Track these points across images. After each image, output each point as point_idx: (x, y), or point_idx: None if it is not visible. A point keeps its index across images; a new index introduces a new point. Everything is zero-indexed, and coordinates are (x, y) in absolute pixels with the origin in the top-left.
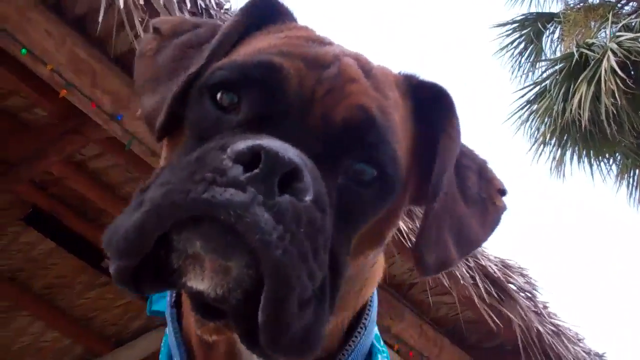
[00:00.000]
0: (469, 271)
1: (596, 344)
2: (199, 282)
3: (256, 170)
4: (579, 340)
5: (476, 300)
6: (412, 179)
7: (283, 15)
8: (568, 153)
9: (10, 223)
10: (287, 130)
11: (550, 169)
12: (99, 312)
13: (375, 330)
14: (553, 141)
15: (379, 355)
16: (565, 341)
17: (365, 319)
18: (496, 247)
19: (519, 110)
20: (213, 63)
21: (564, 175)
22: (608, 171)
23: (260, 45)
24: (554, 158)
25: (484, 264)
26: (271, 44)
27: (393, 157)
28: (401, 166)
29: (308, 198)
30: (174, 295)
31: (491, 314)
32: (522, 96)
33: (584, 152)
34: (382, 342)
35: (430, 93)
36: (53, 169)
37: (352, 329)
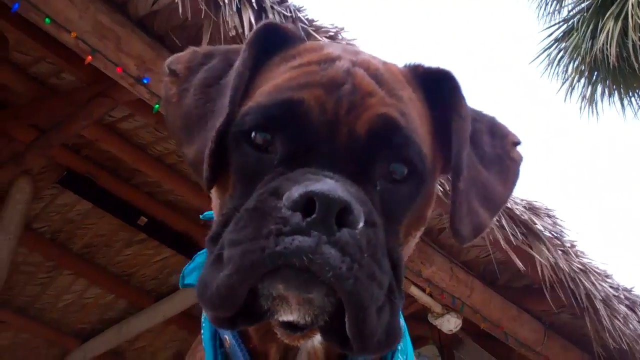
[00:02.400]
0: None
1: (625, 280)
2: (288, 315)
3: (314, 216)
4: (607, 276)
5: (502, 242)
6: (437, 159)
7: (289, 38)
8: (598, 90)
9: (47, 186)
10: (323, 159)
11: (581, 108)
12: (139, 268)
13: None
14: (582, 79)
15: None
16: (593, 278)
17: None
18: (525, 189)
19: (547, 49)
20: (236, 107)
21: (596, 113)
22: (639, 106)
23: (277, 81)
24: (584, 96)
25: (510, 206)
26: (287, 77)
27: (419, 152)
28: (427, 158)
29: (361, 224)
30: None
31: (517, 255)
32: (550, 35)
33: (614, 89)
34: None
35: (437, 78)
36: (84, 132)
37: None
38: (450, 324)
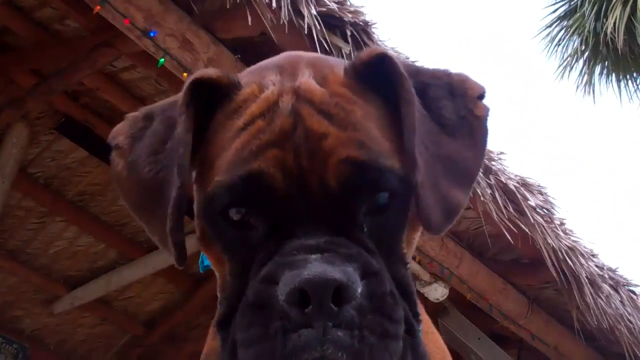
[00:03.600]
0: (489, 188)
1: (610, 260)
2: None
3: (310, 307)
4: (593, 256)
5: (494, 215)
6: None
7: (223, 88)
8: (597, 71)
9: (44, 132)
10: (305, 223)
11: (578, 87)
12: (131, 219)
13: None
14: (582, 60)
15: None
16: (580, 257)
17: None
18: (518, 165)
19: (548, 27)
20: (187, 176)
21: (593, 93)
22: (635, 90)
23: (229, 153)
24: (582, 76)
25: (504, 181)
26: (238, 147)
27: (393, 175)
28: (402, 173)
29: (359, 291)
30: None
31: (510, 227)
32: (554, 12)
33: (612, 71)
34: None
35: (374, 64)
36: (85, 80)
37: None
38: (437, 292)
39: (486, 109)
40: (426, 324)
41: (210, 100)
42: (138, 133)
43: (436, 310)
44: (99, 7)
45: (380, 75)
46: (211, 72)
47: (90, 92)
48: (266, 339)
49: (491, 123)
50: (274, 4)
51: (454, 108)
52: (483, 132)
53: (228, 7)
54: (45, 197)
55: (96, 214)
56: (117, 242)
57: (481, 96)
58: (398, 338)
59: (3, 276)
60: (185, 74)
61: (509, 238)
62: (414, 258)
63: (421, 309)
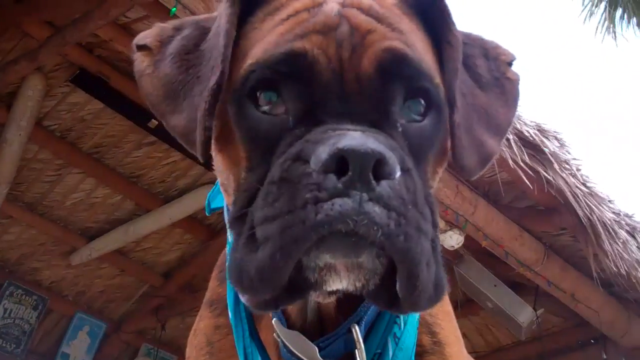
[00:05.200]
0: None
1: (627, 206)
2: (337, 284)
3: (349, 174)
4: (609, 201)
5: (510, 162)
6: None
7: None
8: (617, 15)
9: (59, 84)
10: (338, 110)
11: (598, 30)
12: (147, 170)
13: None
14: (602, 4)
15: None
16: (596, 202)
17: None
18: (534, 110)
19: None
20: (227, 67)
21: (614, 36)
22: None
23: (272, 37)
24: (603, 21)
25: (519, 127)
26: (281, 31)
27: (432, 82)
28: (440, 87)
29: (398, 173)
30: None
31: (527, 173)
32: None
33: (634, 15)
34: None
35: (426, 4)
36: (99, 32)
37: None
38: (452, 240)
39: (517, 75)
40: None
41: (250, 9)
42: (167, 39)
43: (452, 258)
44: None
45: (428, 13)
46: None
47: (104, 43)
48: (294, 211)
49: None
50: None
51: (487, 68)
52: (515, 93)
53: None
54: (61, 149)
55: (113, 166)
56: (134, 193)
57: (511, 63)
58: (429, 238)
59: (21, 228)
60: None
61: (527, 183)
62: None
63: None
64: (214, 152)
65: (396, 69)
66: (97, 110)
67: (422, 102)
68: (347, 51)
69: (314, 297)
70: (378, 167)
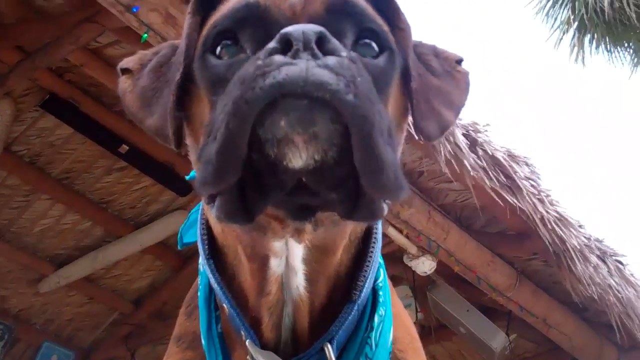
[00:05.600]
0: (477, 160)
1: (597, 231)
2: (297, 159)
3: (295, 47)
4: (580, 226)
5: (486, 186)
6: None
7: None
8: (587, 40)
9: (28, 109)
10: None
11: (569, 56)
12: (117, 196)
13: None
14: (572, 29)
15: (380, 270)
16: (568, 227)
17: (375, 232)
18: (506, 136)
19: None
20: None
21: (583, 61)
22: (625, 57)
23: (227, 4)
24: (573, 45)
25: (489, 152)
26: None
27: (381, 27)
28: (390, 36)
29: (345, 54)
30: (207, 247)
31: (497, 200)
32: None
33: (602, 39)
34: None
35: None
36: (70, 57)
37: (362, 248)
38: (425, 266)
39: (467, 70)
40: (395, 307)
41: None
42: (147, 61)
43: (424, 284)
44: None
45: (380, 9)
46: None
47: (75, 68)
48: (245, 87)
49: (473, 88)
50: None
51: (439, 64)
52: (466, 82)
53: None
54: (30, 174)
55: (82, 192)
56: (104, 219)
57: (460, 61)
58: (382, 116)
59: None
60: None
61: (501, 208)
62: (401, 232)
63: (394, 296)
64: (187, 140)
65: (345, 8)
66: (67, 136)
67: (374, 45)
68: (299, 3)
69: (297, 226)
70: (322, 44)
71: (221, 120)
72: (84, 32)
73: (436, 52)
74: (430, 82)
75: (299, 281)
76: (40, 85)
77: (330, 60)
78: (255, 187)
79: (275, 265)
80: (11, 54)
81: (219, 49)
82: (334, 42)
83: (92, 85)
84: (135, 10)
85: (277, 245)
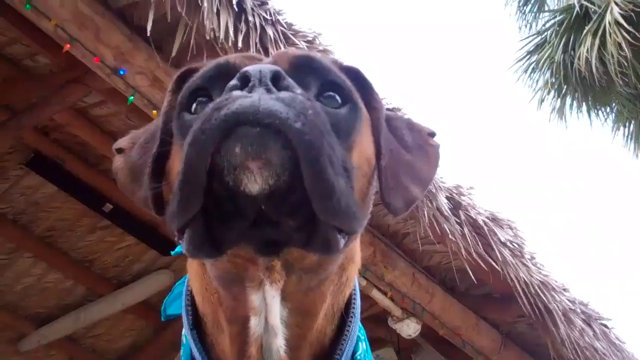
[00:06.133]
0: (458, 224)
1: (581, 294)
2: (254, 184)
3: (252, 82)
4: (564, 290)
5: (463, 252)
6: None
7: None
8: (567, 102)
9: (13, 167)
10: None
11: (550, 118)
12: (100, 255)
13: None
14: (553, 92)
15: (360, 343)
16: (552, 291)
17: (354, 307)
18: (488, 199)
19: (520, 61)
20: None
21: (565, 122)
22: (605, 119)
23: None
24: (554, 107)
25: (473, 216)
26: None
27: (344, 82)
28: (354, 92)
29: (299, 92)
30: (191, 318)
31: (480, 263)
32: (523, 47)
33: (583, 102)
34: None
35: (353, 76)
36: (55, 116)
37: (342, 320)
38: (409, 328)
39: (438, 143)
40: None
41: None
42: (137, 139)
43: (409, 346)
44: (68, 45)
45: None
46: (197, 64)
47: (61, 127)
48: (203, 124)
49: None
50: (239, 44)
51: (412, 137)
52: (436, 156)
53: (195, 49)
54: (13, 232)
55: (65, 250)
56: (86, 278)
57: (433, 135)
58: (334, 149)
59: None
60: (155, 112)
61: (478, 274)
62: (385, 294)
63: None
64: (168, 184)
65: (308, 64)
66: (51, 194)
67: (337, 97)
68: (267, 61)
69: (263, 261)
70: (278, 81)
71: (183, 154)
72: (71, 93)
73: (410, 126)
74: (400, 158)
75: (279, 343)
76: (25, 143)
77: (284, 94)
78: (219, 216)
79: (255, 324)
80: None
81: (194, 106)
82: (289, 81)
83: (77, 144)
84: (122, 72)
85: (255, 299)
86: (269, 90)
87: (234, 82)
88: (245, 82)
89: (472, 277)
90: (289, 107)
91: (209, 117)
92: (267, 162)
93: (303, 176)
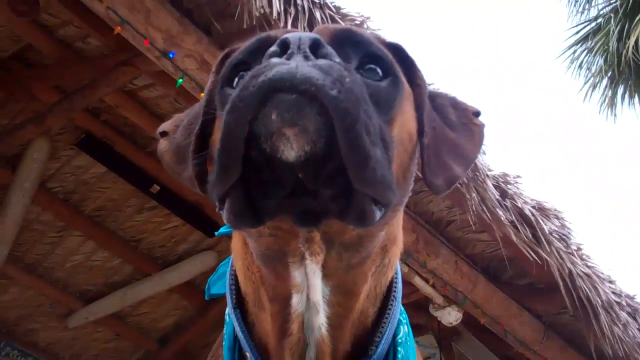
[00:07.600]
0: (506, 213)
1: (629, 286)
2: (290, 151)
3: (290, 49)
4: (610, 282)
5: (514, 238)
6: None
7: None
8: (619, 92)
9: (64, 148)
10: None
11: (601, 109)
12: (147, 235)
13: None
14: (604, 81)
15: (401, 327)
16: (596, 283)
17: (395, 290)
18: (536, 189)
19: (572, 47)
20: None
21: (614, 114)
22: None
23: None
24: (605, 96)
25: (519, 205)
26: None
27: (386, 55)
28: (396, 64)
29: (337, 60)
30: (234, 297)
31: (525, 253)
32: (576, 33)
33: (635, 92)
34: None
35: (396, 52)
36: (106, 98)
37: (384, 302)
38: (450, 316)
39: (483, 123)
40: None
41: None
42: (180, 122)
43: (450, 334)
44: (119, 27)
45: (399, 63)
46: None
47: (110, 109)
48: (242, 90)
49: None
50: (289, 25)
51: (456, 115)
52: (481, 135)
53: (245, 27)
54: (63, 211)
55: (113, 229)
56: (132, 257)
57: (477, 114)
58: (370, 117)
59: (20, 289)
60: (202, 94)
61: (529, 261)
62: (427, 281)
63: (418, 353)
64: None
65: (350, 37)
66: (100, 174)
67: (379, 70)
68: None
69: (303, 230)
70: (317, 50)
71: (222, 123)
72: (121, 75)
73: (455, 104)
74: (444, 135)
75: (321, 321)
76: (76, 124)
77: (322, 62)
78: (257, 184)
79: (297, 302)
80: (50, 94)
81: (235, 80)
82: (328, 49)
83: (127, 126)
84: (171, 55)
85: (297, 275)
86: (307, 58)
87: (273, 48)
88: (284, 49)
89: (518, 264)
90: (326, 74)
91: (247, 84)
92: (303, 129)
93: (339, 144)
